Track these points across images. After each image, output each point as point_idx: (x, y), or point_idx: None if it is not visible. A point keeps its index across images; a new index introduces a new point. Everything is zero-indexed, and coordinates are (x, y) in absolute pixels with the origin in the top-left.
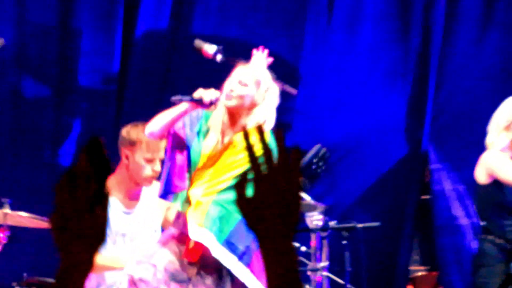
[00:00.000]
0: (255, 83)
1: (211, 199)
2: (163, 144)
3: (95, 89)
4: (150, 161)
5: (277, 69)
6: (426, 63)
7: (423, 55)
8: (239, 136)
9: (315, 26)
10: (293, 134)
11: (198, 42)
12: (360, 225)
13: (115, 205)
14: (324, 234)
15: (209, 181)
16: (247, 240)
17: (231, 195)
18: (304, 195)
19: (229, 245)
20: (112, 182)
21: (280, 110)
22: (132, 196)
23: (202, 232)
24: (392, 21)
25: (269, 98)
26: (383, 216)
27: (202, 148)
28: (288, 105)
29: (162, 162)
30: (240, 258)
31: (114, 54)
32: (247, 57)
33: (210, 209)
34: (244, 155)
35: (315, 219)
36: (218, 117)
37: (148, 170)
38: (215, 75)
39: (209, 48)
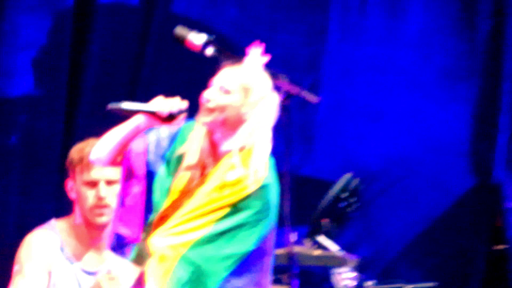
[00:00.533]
0: (242, 90)
1: (179, 254)
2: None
3: (31, 95)
4: (90, 184)
5: (291, 68)
6: (499, 61)
7: (494, 49)
8: (223, 165)
9: (344, 7)
10: (313, 157)
11: (180, 30)
12: (408, 286)
13: (67, 262)
14: None
15: (178, 225)
16: None
17: (211, 247)
18: (329, 243)
19: None
20: (62, 227)
21: (297, 126)
22: (93, 246)
23: None
24: (450, 2)
25: (262, 111)
26: (439, 273)
27: (171, 182)
28: (306, 117)
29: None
30: None
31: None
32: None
33: (177, 269)
34: (230, 191)
35: (345, 277)
36: (196, 139)
37: (90, 199)
38: (203, 74)
39: (196, 38)
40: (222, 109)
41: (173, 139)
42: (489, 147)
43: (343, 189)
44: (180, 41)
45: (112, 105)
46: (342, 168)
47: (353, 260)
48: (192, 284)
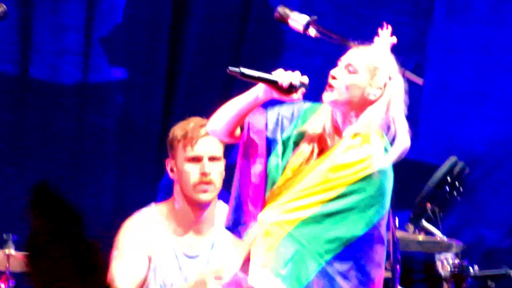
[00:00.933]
0: (368, 70)
1: (285, 231)
2: (213, 138)
3: (129, 77)
4: (194, 160)
5: (395, 49)
6: None
7: None
8: (342, 146)
9: None
10: (418, 140)
11: (282, 10)
12: None
13: (169, 246)
14: (462, 284)
15: (288, 202)
16: None
17: (317, 227)
18: (432, 228)
19: None
20: (162, 211)
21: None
22: (195, 228)
23: (264, 277)
24: None
25: (390, 94)
26: None
27: (288, 162)
28: (410, 99)
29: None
30: None
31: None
32: (351, 31)
33: (281, 245)
34: (344, 172)
35: (449, 262)
36: (319, 119)
37: (194, 175)
38: (309, 60)
39: (299, 18)
40: (347, 89)
41: (294, 119)
42: None
43: (448, 173)
44: (282, 21)
45: (232, 69)
46: (447, 151)
47: (458, 245)
48: (295, 263)
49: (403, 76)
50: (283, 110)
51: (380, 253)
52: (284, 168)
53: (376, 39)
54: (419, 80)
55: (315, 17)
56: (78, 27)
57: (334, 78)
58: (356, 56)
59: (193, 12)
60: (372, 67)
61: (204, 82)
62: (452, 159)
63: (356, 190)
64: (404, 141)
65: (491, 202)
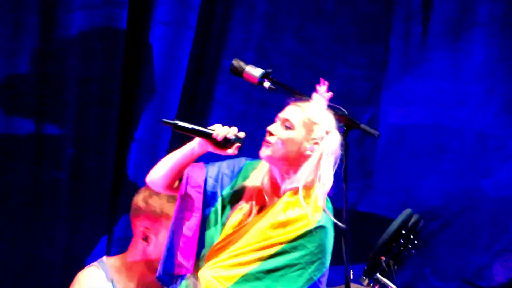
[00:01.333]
0: (305, 126)
1: (224, 287)
2: None
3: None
4: None
5: (350, 102)
6: None
7: None
8: (281, 203)
9: (404, 39)
10: (372, 192)
11: (237, 63)
12: None
13: None
14: None
15: (228, 259)
16: None
17: (257, 284)
18: (387, 281)
19: None
20: (113, 265)
21: (355, 161)
22: (146, 283)
23: None
24: None
25: (325, 149)
26: None
27: (228, 219)
28: (365, 152)
29: None
30: None
31: None
32: (307, 84)
33: None
34: (285, 230)
35: None
36: (258, 176)
37: None
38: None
39: (253, 72)
40: (283, 142)
41: (234, 176)
42: None
43: (402, 226)
44: (237, 74)
45: (166, 121)
46: (402, 204)
47: None
48: None
49: (359, 128)
50: (224, 167)
51: None
52: (223, 225)
53: (314, 95)
54: (374, 132)
55: (270, 70)
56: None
57: (271, 134)
58: (293, 112)
59: (146, 68)
60: (309, 122)
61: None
62: (407, 211)
63: (297, 247)
64: (323, 195)
65: (446, 255)
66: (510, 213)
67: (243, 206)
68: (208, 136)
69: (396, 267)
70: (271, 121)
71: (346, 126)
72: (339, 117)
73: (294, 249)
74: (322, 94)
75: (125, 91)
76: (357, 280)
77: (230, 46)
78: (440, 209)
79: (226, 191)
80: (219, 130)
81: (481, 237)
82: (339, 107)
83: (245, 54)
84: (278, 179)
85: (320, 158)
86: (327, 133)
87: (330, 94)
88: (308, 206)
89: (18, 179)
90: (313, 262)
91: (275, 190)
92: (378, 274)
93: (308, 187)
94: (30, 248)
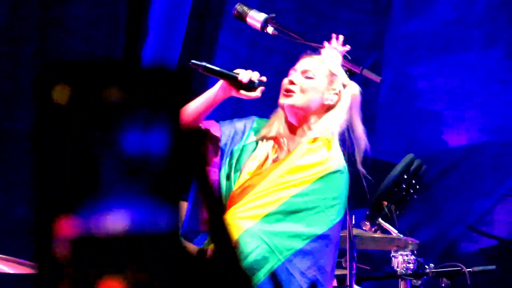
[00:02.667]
0: (326, 76)
1: (245, 227)
2: None
3: None
4: None
5: (353, 47)
6: None
7: None
8: (301, 149)
9: None
10: (375, 137)
11: (241, 7)
12: (468, 270)
13: None
14: (417, 282)
15: (247, 203)
16: None
17: (278, 225)
18: (389, 226)
19: None
20: None
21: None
22: None
23: None
24: None
25: (349, 99)
26: (501, 257)
27: (243, 167)
28: (368, 97)
29: None
30: None
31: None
32: (310, 29)
33: (240, 240)
34: (305, 174)
35: (405, 260)
36: (271, 126)
37: None
38: (268, 58)
39: (257, 16)
40: (304, 93)
41: (246, 132)
42: None
43: (404, 171)
44: (240, 19)
45: (195, 62)
46: (404, 149)
47: (413, 243)
48: (255, 258)
49: (361, 74)
50: (235, 124)
51: (335, 255)
52: (238, 177)
53: (326, 48)
54: (377, 78)
55: (274, 15)
56: None
57: (292, 83)
58: (312, 63)
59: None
60: (329, 73)
61: None
62: (409, 157)
63: (316, 190)
64: (363, 145)
65: (447, 200)
66: None
67: (258, 154)
68: (234, 79)
69: (398, 212)
70: (276, 67)
71: (349, 71)
72: (343, 61)
73: (314, 192)
74: (337, 47)
75: (129, 33)
76: (359, 225)
77: None
78: (442, 154)
79: (238, 146)
80: (244, 74)
81: (483, 182)
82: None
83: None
84: (296, 128)
85: (348, 109)
86: (344, 85)
87: (347, 47)
88: (328, 153)
89: None
90: (332, 207)
91: (291, 139)
92: (380, 219)
93: (329, 137)
94: None
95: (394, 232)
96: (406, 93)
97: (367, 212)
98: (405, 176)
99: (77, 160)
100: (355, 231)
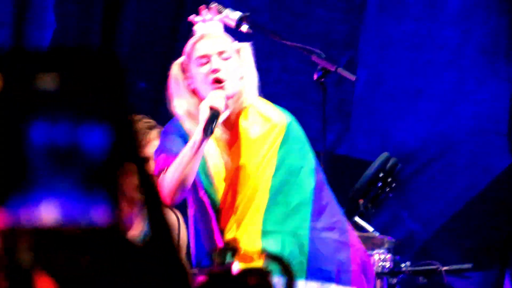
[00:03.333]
0: (235, 52)
1: (257, 234)
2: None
3: None
4: None
5: (328, 45)
6: None
7: None
8: (246, 127)
9: None
10: (350, 136)
11: (215, 5)
12: (444, 268)
13: None
14: (393, 280)
15: (243, 210)
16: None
17: (278, 209)
18: (365, 224)
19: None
20: None
21: (334, 103)
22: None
23: None
24: None
25: (251, 62)
26: (476, 255)
27: (212, 175)
28: (343, 95)
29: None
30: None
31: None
32: (285, 27)
33: (265, 248)
34: (266, 146)
35: (380, 258)
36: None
37: None
38: None
39: (231, 14)
40: (235, 75)
41: (182, 134)
42: None
43: (380, 169)
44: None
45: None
46: (380, 147)
47: (390, 241)
48: (288, 253)
49: (336, 72)
50: (168, 131)
51: (330, 192)
52: (213, 186)
53: (206, 22)
54: (351, 76)
55: (248, 14)
56: None
57: (217, 70)
58: (218, 41)
59: (127, 15)
60: (236, 48)
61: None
62: (385, 155)
63: (286, 152)
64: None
65: (424, 198)
66: (488, 156)
67: (211, 153)
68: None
69: (373, 210)
70: None
71: (324, 70)
72: (317, 59)
73: (285, 155)
74: (213, 16)
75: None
76: None
77: None
78: (417, 152)
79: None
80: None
81: (459, 179)
82: (317, 50)
83: None
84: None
85: (254, 74)
86: (241, 47)
87: (223, 13)
88: (266, 113)
89: None
90: (305, 155)
91: (228, 122)
92: (356, 217)
93: (254, 102)
94: None
95: (370, 230)
96: (381, 91)
97: (343, 210)
98: (381, 174)
99: (6, 151)
100: None
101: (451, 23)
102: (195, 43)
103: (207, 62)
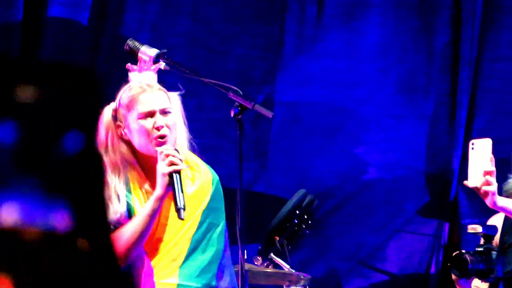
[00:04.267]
0: (170, 102)
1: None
2: None
3: None
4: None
5: (245, 82)
6: (456, 73)
7: (452, 61)
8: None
9: (299, 19)
10: (267, 173)
11: (132, 43)
12: None
13: None
14: None
15: (163, 258)
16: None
17: (195, 263)
18: (281, 261)
19: None
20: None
21: (251, 141)
22: None
23: None
24: (409, 13)
25: (179, 110)
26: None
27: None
28: (260, 132)
29: None
30: None
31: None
32: (202, 65)
33: None
34: (196, 203)
35: None
36: (133, 179)
37: None
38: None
39: (148, 51)
40: (171, 128)
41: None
42: (445, 164)
43: (296, 206)
44: (132, 54)
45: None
46: (296, 184)
47: (306, 278)
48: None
49: (253, 109)
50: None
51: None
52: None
53: (139, 73)
54: (268, 113)
55: (165, 51)
56: None
57: (161, 127)
58: (160, 97)
59: (45, 45)
60: (169, 98)
61: None
62: (301, 192)
63: (210, 210)
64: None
65: (339, 235)
66: (406, 193)
67: (139, 202)
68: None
69: (290, 247)
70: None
71: (241, 107)
72: (234, 97)
73: (206, 217)
74: (148, 66)
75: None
76: (251, 260)
77: (125, 27)
78: (334, 189)
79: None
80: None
81: (375, 217)
82: (233, 87)
83: (140, 35)
84: (149, 164)
85: (183, 124)
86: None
87: (160, 64)
88: (199, 171)
89: None
90: (222, 214)
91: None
92: (272, 254)
93: (186, 155)
94: None
95: (286, 267)
96: (298, 129)
97: (259, 247)
98: (297, 211)
99: None
100: (247, 266)
101: (369, 61)
102: (137, 95)
103: (150, 117)
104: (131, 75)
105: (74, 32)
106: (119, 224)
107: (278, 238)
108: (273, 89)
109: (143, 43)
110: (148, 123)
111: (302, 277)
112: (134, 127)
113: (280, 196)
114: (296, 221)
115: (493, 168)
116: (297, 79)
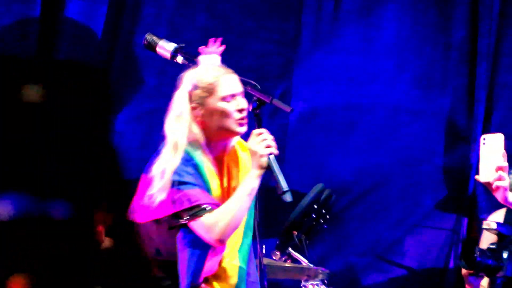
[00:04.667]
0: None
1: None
2: None
3: None
4: None
5: (263, 77)
6: (474, 68)
7: (469, 56)
8: (243, 157)
9: (316, 14)
10: (285, 166)
11: (150, 37)
12: None
13: None
14: None
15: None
16: None
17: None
18: (299, 256)
19: None
20: None
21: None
22: None
23: None
24: (426, 8)
25: None
26: (408, 286)
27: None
28: (277, 127)
29: None
30: None
31: None
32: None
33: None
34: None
35: None
36: (205, 159)
37: None
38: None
39: (166, 45)
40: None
41: (196, 173)
42: (462, 158)
43: (314, 201)
44: (150, 49)
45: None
46: (313, 179)
47: (324, 272)
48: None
49: (271, 103)
50: (180, 166)
51: None
52: None
53: (208, 56)
54: (287, 108)
55: (183, 45)
56: None
57: (244, 110)
58: (238, 80)
59: (62, 41)
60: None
61: None
62: (319, 186)
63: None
64: None
65: (357, 230)
66: (422, 188)
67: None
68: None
69: (308, 241)
70: None
71: (259, 101)
72: (252, 91)
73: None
74: (215, 50)
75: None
76: (269, 255)
77: (142, 22)
78: (351, 184)
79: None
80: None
81: (393, 212)
82: (252, 81)
83: (157, 30)
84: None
85: None
86: None
87: (222, 47)
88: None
89: None
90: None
91: (224, 154)
92: (290, 249)
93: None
94: None
95: (304, 261)
96: (315, 124)
97: (277, 242)
98: (315, 206)
99: None
100: (266, 261)
101: (385, 56)
102: (219, 78)
103: (233, 99)
104: (200, 57)
105: (91, 28)
106: (212, 204)
107: (296, 233)
108: (290, 84)
109: (161, 37)
110: (231, 105)
111: (320, 272)
112: (217, 108)
113: (297, 190)
114: (314, 216)
115: (506, 164)
116: (313, 74)
